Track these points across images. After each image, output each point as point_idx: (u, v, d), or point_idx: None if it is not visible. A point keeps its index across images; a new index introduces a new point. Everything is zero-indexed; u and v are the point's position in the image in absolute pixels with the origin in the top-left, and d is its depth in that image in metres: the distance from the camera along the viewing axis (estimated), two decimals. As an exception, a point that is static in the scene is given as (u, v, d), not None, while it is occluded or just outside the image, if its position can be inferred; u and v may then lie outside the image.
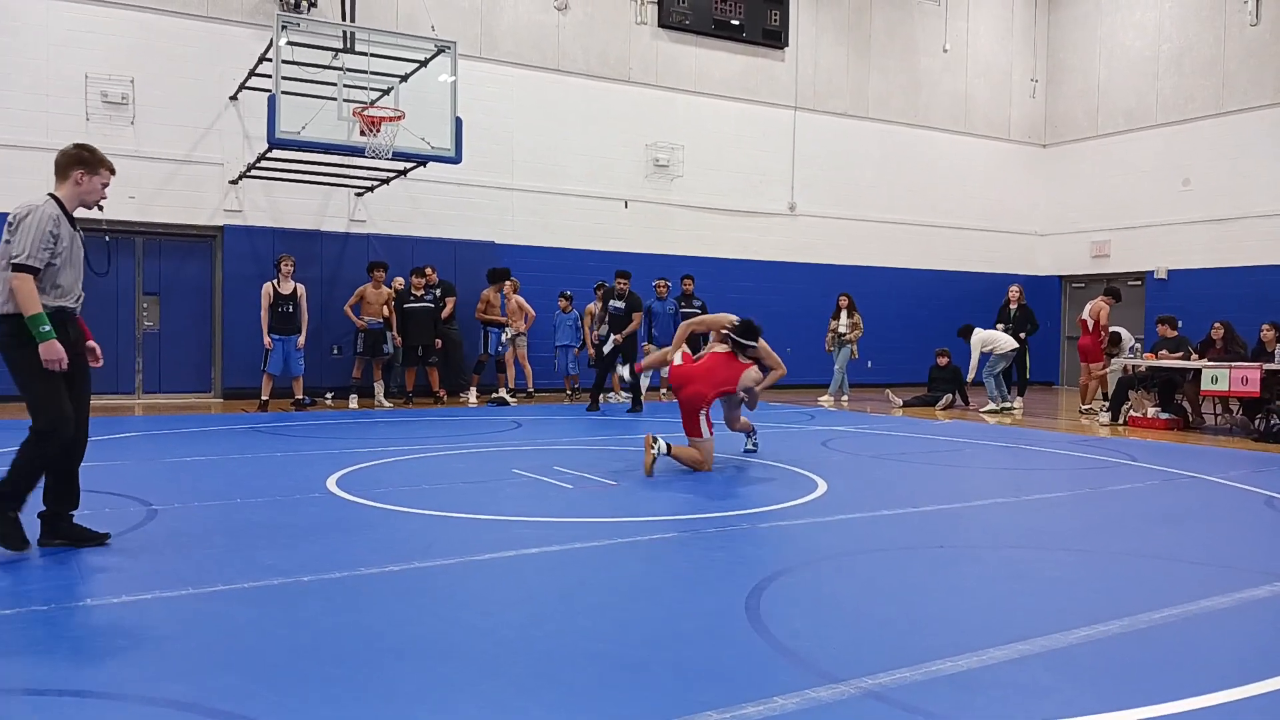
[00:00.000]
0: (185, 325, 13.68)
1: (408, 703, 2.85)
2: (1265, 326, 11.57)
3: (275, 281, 12.06)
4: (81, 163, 4.61)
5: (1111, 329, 13.78)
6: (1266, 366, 10.83)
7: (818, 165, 18.34)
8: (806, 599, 4.11)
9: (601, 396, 14.13)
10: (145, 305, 13.50)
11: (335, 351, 14.14)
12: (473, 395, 13.68)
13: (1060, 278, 20.82)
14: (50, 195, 4.59)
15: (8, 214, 4.53)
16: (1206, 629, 3.73)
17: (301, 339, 12.13)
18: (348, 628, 3.56)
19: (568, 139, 15.99)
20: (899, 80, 19.33)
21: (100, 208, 4.77)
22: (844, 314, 14.77)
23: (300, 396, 12.25)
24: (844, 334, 14.71)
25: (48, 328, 4.41)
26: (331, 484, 6.59)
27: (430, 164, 12.42)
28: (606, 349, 12.74)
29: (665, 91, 16.88)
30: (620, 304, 12.77)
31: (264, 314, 11.96)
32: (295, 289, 12.10)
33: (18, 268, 4.37)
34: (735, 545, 5.05)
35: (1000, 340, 13.65)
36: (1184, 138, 18.32)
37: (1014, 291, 14.56)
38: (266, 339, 11.90)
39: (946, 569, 4.74)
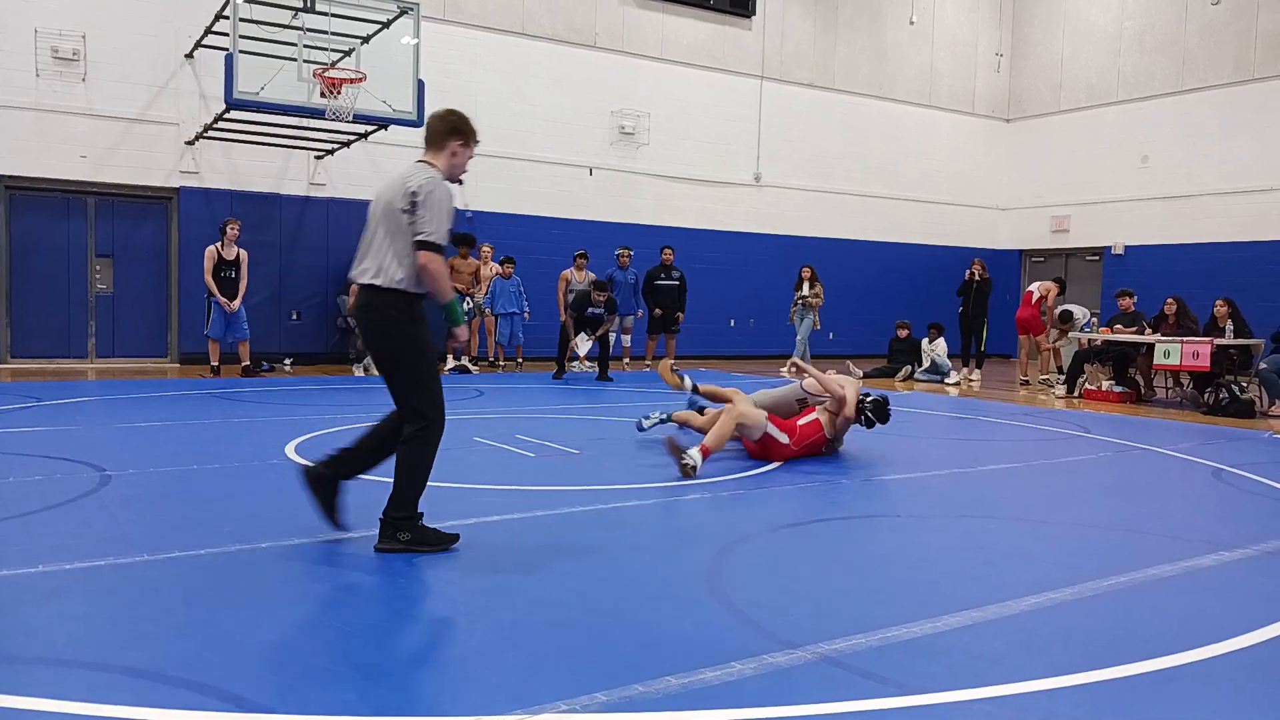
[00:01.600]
0: (140, 288, 13.42)
1: (366, 671, 2.85)
2: (1219, 302, 11.79)
3: (219, 245, 11.81)
4: (458, 133, 4.24)
5: (1062, 307, 14.12)
6: (1218, 341, 11.07)
7: (784, 136, 18.33)
8: (767, 566, 4.16)
9: (580, 364, 14.15)
10: (98, 268, 13.22)
11: (294, 316, 13.98)
12: (449, 363, 13.63)
13: (1020, 252, 21.05)
14: (427, 163, 4.20)
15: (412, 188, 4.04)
16: (1153, 597, 3.83)
17: (234, 304, 11.79)
18: (307, 597, 3.55)
19: (532, 104, 15.82)
20: (865, 52, 19.33)
21: (460, 181, 4.43)
22: (806, 285, 14.86)
23: (247, 362, 12.06)
24: (806, 298, 14.79)
25: (462, 309, 4.05)
26: (291, 450, 6.53)
27: (392, 127, 12.24)
28: (583, 350, 12.60)
29: (632, 58, 16.74)
30: (600, 310, 12.61)
31: (208, 278, 11.71)
32: (238, 254, 11.88)
33: (428, 245, 3.98)
34: (696, 514, 5.09)
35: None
36: (1144, 115, 18.54)
37: (976, 265, 14.70)
38: (223, 300, 11.67)
39: (903, 538, 4.82)
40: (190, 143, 13.24)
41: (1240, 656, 3.16)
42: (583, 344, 12.45)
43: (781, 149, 18.33)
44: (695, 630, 3.26)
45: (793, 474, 6.23)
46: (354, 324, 4.12)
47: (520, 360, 14.39)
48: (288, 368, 13.16)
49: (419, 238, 4.01)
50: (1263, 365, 10.96)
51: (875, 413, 6.99)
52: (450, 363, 13.47)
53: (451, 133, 4.25)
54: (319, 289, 14.14)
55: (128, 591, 3.53)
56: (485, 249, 14.17)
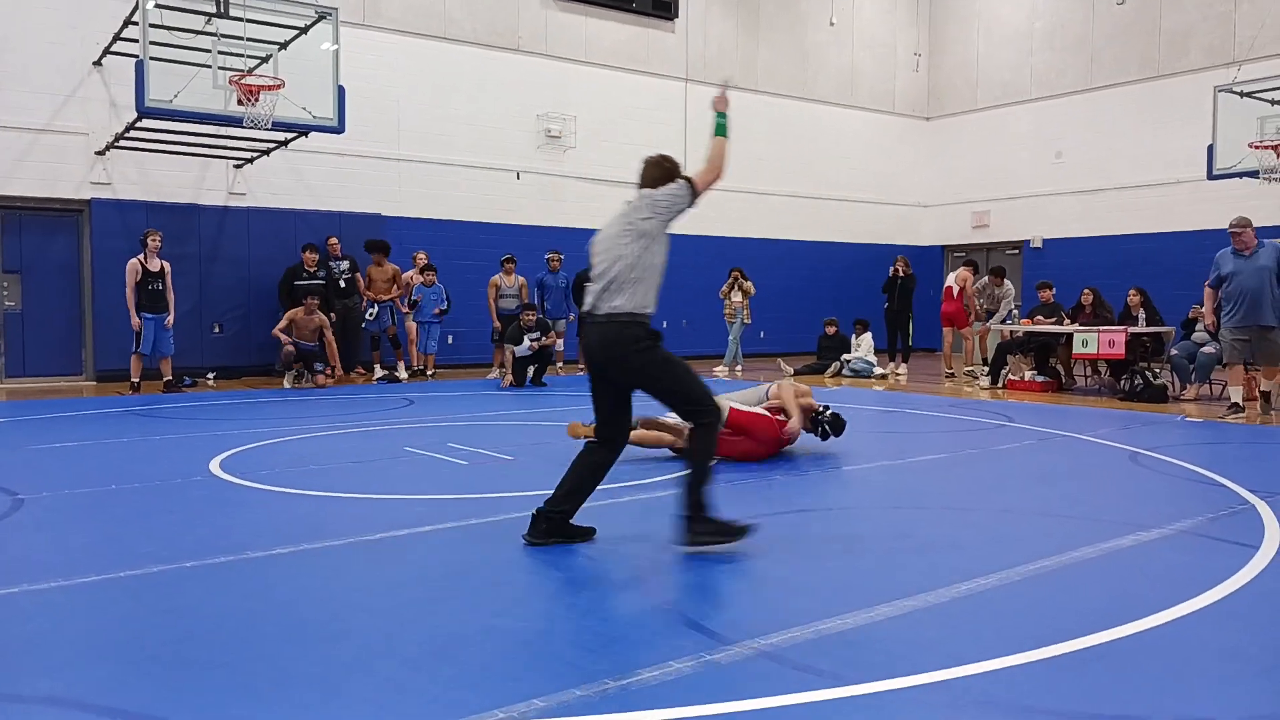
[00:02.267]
0: (51, 304, 12.94)
1: (297, 686, 2.78)
2: (1131, 291, 12.21)
3: (142, 257, 11.48)
4: (672, 177, 4.62)
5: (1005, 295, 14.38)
6: (1131, 330, 11.45)
7: (709, 137, 18.40)
8: (702, 565, 4.17)
9: (500, 371, 14.04)
10: (5, 284, 12.71)
11: (216, 329, 13.62)
12: (402, 371, 13.42)
13: (943, 247, 21.51)
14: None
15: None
16: (1077, 579, 3.93)
17: (170, 318, 11.61)
18: (233, 613, 3.45)
19: (456, 109, 15.68)
20: (787, 53, 19.57)
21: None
22: (735, 288, 15.00)
23: (169, 377, 11.73)
24: (737, 301, 14.93)
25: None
26: (215, 466, 6.36)
27: (313, 134, 12.02)
28: (520, 350, 12.38)
29: (556, 61, 16.69)
30: (536, 334, 12.41)
31: (130, 293, 11.38)
32: (163, 266, 11.56)
33: (696, 179, 4.60)
34: (632, 516, 5.09)
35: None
36: (1056, 112, 19.09)
37: (899, 262, 14.99)
38: (135, 319, 11.35)
39: (835, 530, 4.88)
40: (101, 153, 12.82)
41: (1162, 631, 3.25)
42: (520, 348, 12.31)
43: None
44: (632, 631, 3.25)
45: (726, 473, 6.27)
46: (589, 355, 4.33)
47: (428, 370, 14.04)
48: (210, 382, 12.82)
49: (689, 179, 4.60)
50: (1174, 351, 11.36)
51: (832, 426, 7.10)
52: (378, 372, 13.27)
53: (666, 178, 4.63)
54: (241, 300, 13.80)
55: (43, 618, 3.39)
56: (420, 256, 14.03)
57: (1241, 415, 9.12)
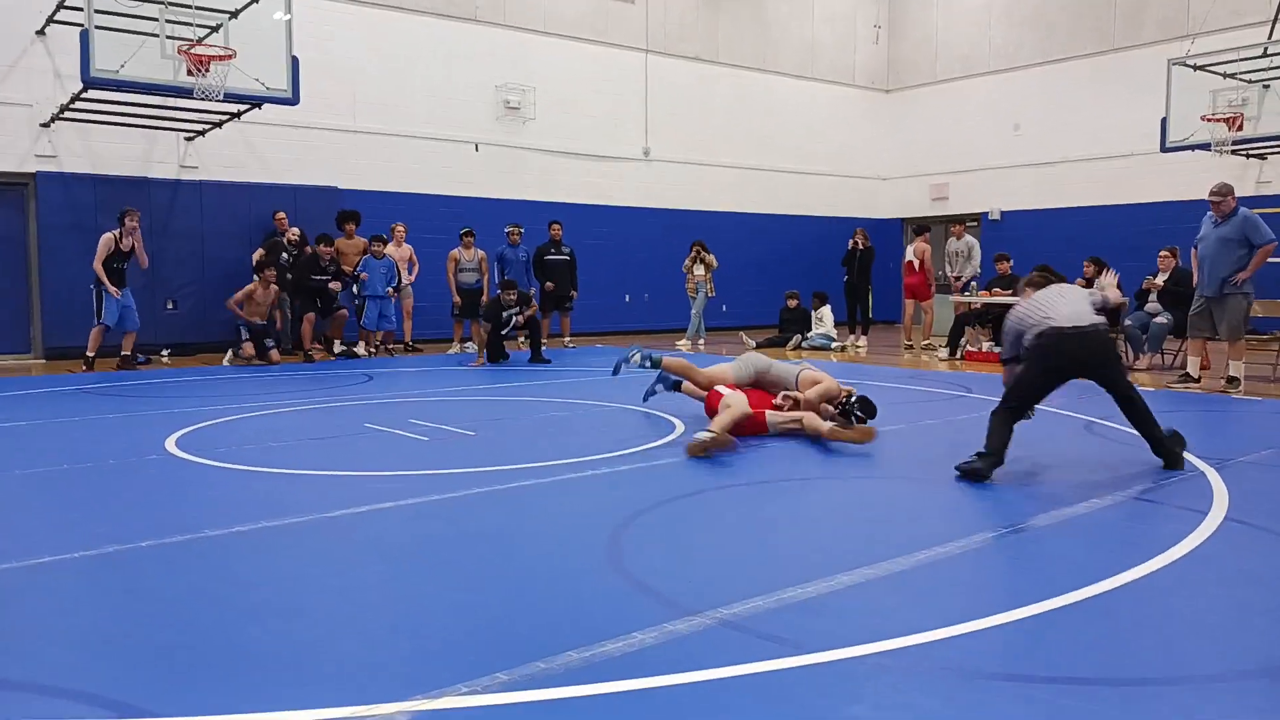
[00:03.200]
0: (-4, 281, 12.66)
1: (259, 666, 2.77)
2: (1086, 262, 12.36)
3: (118, 234, 11.28)
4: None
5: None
6: (1086, 301, 11.59)
7: (671, 110, 18.38)
8: (664, 537, 4.20)
9: (460, 347, 13.96)
10: (-52, 260, 12.41)
11: (170, 306, 13.39)
12: (361, 348, 13.28)
13: (902, 220, 21.67)
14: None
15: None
16: (1034, 546, 4.01)
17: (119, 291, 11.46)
18: (193, 593, 3.42)
19: (413, 79, 15.47)
20: (748, 25, 19.51)
21: None
22: (697, 261, 15.00)
23: (128, 353, 11.54)
24: (700, 275, 14.94)
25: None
26: (171, 445, 6.28)
27: (266, 106, 11.81)
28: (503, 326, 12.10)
29: (515, 31, 16.50)
30: (516, 310, 11.99)
31: (99, 263, 11.18)
32: (134, 246, 11.40)
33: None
34: (594, 489, 5.10)
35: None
36: (1014, 84, 19.25)
37: (858, 235, 15.07)
38: (111, 288, 11.22)
39: (796, 501, 4.93)
40: (46, 125, 12.50)
41: (1113, 596, 3.34)
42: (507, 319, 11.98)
43: (668, 123, 18.38)
44: (595, 604, 3.27)
45: (679, 446, 6.30)
46: (1075, 357, 5.63)
47: (383, 346, 13.82)
48: (165, 359, 12.62)
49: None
50: (1127, 322, 11.57)
51: (864, 409, 6.71)
52: (337, 348, 13.14)
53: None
54: (194, 276, 13.58)
55: (-5, 601, 3.34)
56: (399, 228, 13.94)
57: (1196, 386, 9.31)
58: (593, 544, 4.00)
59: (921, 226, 14.86)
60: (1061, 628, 3.05)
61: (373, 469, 5.54)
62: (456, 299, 13.76)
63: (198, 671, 2.72)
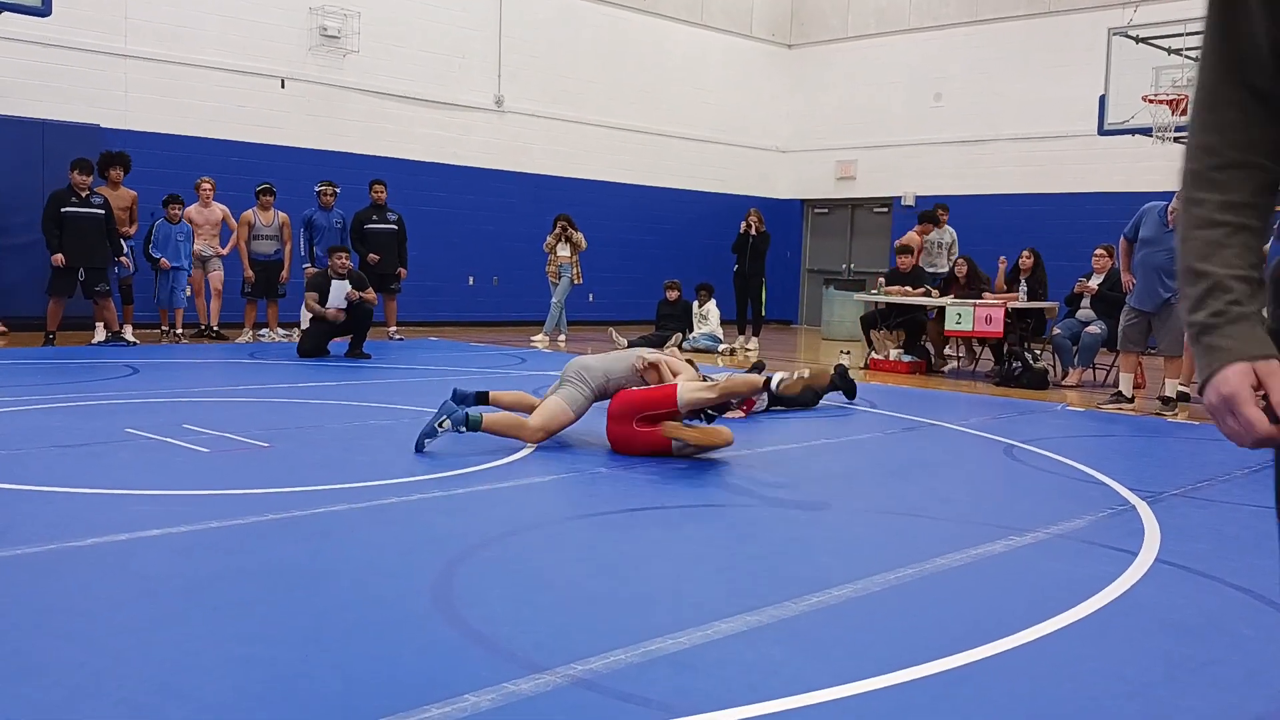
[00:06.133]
0: None
1: (-26, 737, 2.63)
2: (1024, 253, 12.96)
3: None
4: None
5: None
6: (1011, 304, 12.16)
7: (530, 52, 18.35)
8: (507, 576, 4.19)
9: (252, 334, 13.59)
10: None
11: None
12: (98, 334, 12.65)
13: (803, 201, 22.23)
14: None
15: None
16: (942, 590, 4.18)
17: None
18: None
19: (204, -5, 14.98)
20: (627, -46, 19.68)
21: None
22: (562, 240, 14.94)
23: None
24: (564, 256, 14.86)
25: None
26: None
27: (6, 14, 11.24)
28: (332, 304, 11.62)
29: (336, -58, 16.19)
30: (344, 277, 11.71)
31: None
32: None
33: None
34: (422, 516, 5.05)
35: None
36: (936, 46, 20.02)
37: (752, 217, 15.36)
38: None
39: (665, 534, 5.00)
40: None
41: (1032, 649, 3.51)
42: (336, 293, 11.49)
43: (528, 66, 18.35)
44: (418, 659, 3.23)
45: (545, 463, 6.30)
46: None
47: (174, 329, 13.38)
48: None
49: None
50: (1056, 330, 12.18)
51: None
52: (100, 334, 12.51)
53: None
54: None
55: None
56: (206, 184, 13.40)
57: (1129, 406, 9.87)
58: (417, 585, 3.95)
59: (925, 214, 14.78)
60: (972, 686, 3.19)
61: (135, 486, 5.34)
62: (249, 273, 13.35)
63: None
